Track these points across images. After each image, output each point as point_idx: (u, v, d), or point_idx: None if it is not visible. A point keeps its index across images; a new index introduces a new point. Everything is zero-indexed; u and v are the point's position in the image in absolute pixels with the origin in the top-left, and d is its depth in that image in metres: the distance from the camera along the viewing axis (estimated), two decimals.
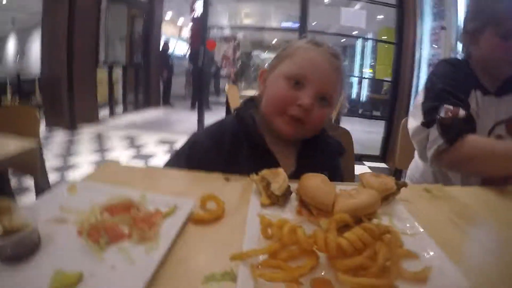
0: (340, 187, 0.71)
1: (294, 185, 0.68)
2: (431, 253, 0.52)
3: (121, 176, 0.78)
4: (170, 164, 0.91)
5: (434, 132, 1.05)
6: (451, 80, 1.11)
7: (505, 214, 0.76)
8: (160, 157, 3.96)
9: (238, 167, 0.84)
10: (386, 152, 4.33)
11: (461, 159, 1.01)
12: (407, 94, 3.92)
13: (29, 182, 1.60)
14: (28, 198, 2.40)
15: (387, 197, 0.68)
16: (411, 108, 1.60)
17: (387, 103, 4.66)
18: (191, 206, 0.59)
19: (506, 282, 0.49)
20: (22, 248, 0.44)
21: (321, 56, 0.82)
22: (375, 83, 8.84)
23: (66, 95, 4.76)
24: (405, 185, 0.70)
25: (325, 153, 0.93)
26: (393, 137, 4.08)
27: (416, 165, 1.35)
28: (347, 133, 1.23)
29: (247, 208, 0.63)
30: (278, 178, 0.65)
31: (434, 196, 0.79)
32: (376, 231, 0.47)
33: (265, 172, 0.68)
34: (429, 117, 1.07)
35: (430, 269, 0.46)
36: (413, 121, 1.16)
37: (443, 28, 3.29)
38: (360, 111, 8.37)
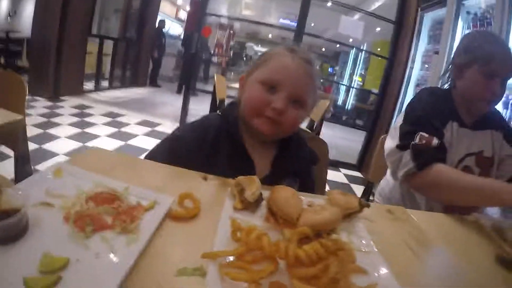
0: (309, 199, 0.77)
1: (266, 193, 0.73)
2: (380, 271, 0.58)
3: (105, 163, 0.80)
4: (155, 152, 0.95)
5: (407, 155, 1.11)
6: (431, 109, 1.17)
7: (461, 243, 0.82)
8: (140, 138, 3.93)
9: (217, 163, 0.89)
10: (362, 162, 4.40)
11: (426, 184, 1.08)
12: (391, 109, 3.97)
13: (7, 149, 1.57)
14: (6, 165, 2.37)
15: (349, 215, 0.74)
16: (392, 125, 1.66)
17: (371, 114, 4.72)
18: (170, 202, 0.64)
19: None
20: (12, 232, 0.46)
21: (294, 62, 0.86)
22: (363, 93, 8.90)
23: (53, 63, 4.63)
24: (367, 205, 0.76)
25: (299, 160, 0.99)
26: (371, 149, 4.13)
27: (387, 182, 1.42)
28: (324, 144, 1.29)
29: (221, 209, 0.68)
30: (252, 185, 0.70)
31: (396, 218, 0.84)
32: (331, 247, 0.53)
33: (241, 178, 0.73)
34: (405, 141, 1.13)
35: (375, 286, 0.52)
36: (390, 142, 1.22)
37: (436, 52, 3.31)
38: (344, 118, 8.47)
